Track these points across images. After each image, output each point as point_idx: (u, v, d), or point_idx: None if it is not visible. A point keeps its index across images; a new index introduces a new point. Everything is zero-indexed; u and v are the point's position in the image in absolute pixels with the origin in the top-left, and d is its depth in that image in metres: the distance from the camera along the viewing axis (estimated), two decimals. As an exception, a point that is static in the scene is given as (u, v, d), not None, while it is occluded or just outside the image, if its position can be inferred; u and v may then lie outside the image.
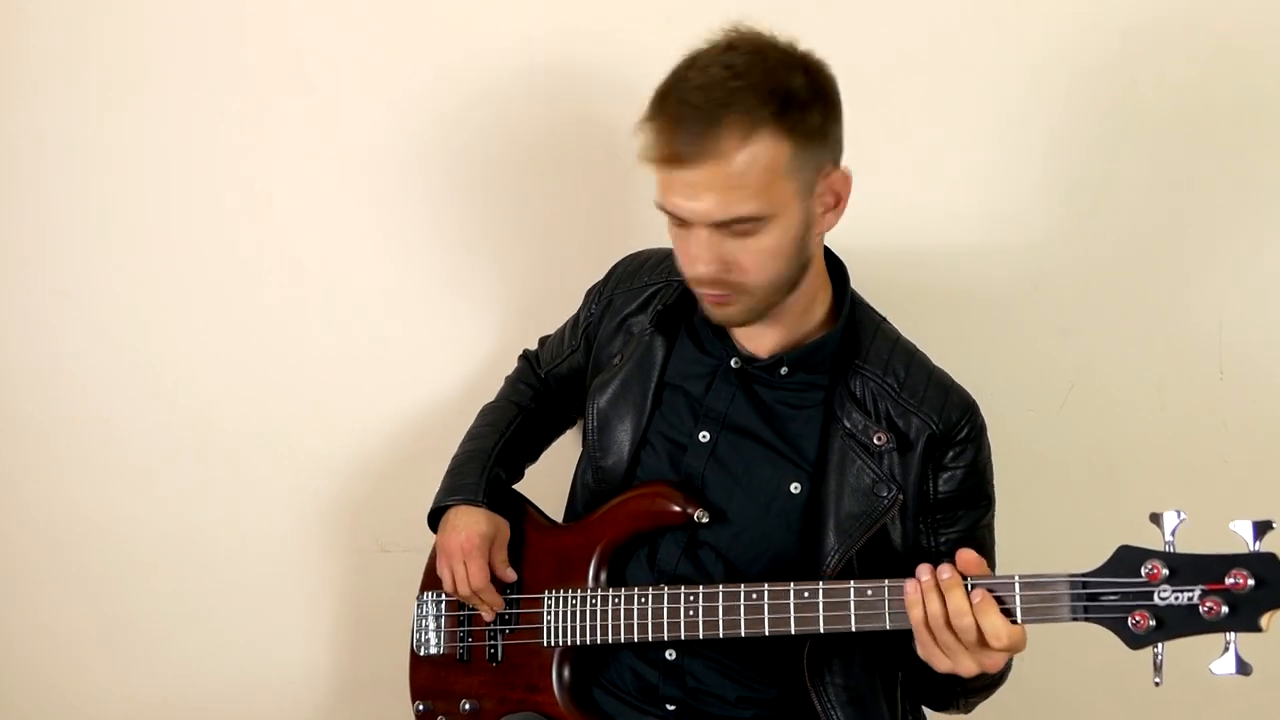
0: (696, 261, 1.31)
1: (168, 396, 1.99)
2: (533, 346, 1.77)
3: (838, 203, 1.35)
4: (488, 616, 1.52)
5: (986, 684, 1.39)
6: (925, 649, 1.24)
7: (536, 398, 1.71)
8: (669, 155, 1.26)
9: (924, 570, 1.23)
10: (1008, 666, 1.35)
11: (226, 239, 1.96)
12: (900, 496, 1.37)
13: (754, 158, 1.24)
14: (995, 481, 1.45)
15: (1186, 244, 1.72)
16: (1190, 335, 1.73)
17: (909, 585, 1.23)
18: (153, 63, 1.94)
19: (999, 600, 1.20)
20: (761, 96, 1.24)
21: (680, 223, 1.31)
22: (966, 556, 1.23)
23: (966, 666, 1.22)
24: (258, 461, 1.98)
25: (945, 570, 1.22)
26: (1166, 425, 1.75)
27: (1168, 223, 1.72)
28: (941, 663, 1.23)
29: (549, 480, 1.69)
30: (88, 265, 1.99)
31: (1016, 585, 1.19)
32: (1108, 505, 1.76)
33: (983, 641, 1.20)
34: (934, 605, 1.21)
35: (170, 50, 1.93)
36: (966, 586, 1.21)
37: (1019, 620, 1.20)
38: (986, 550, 1.45)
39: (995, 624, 1.19)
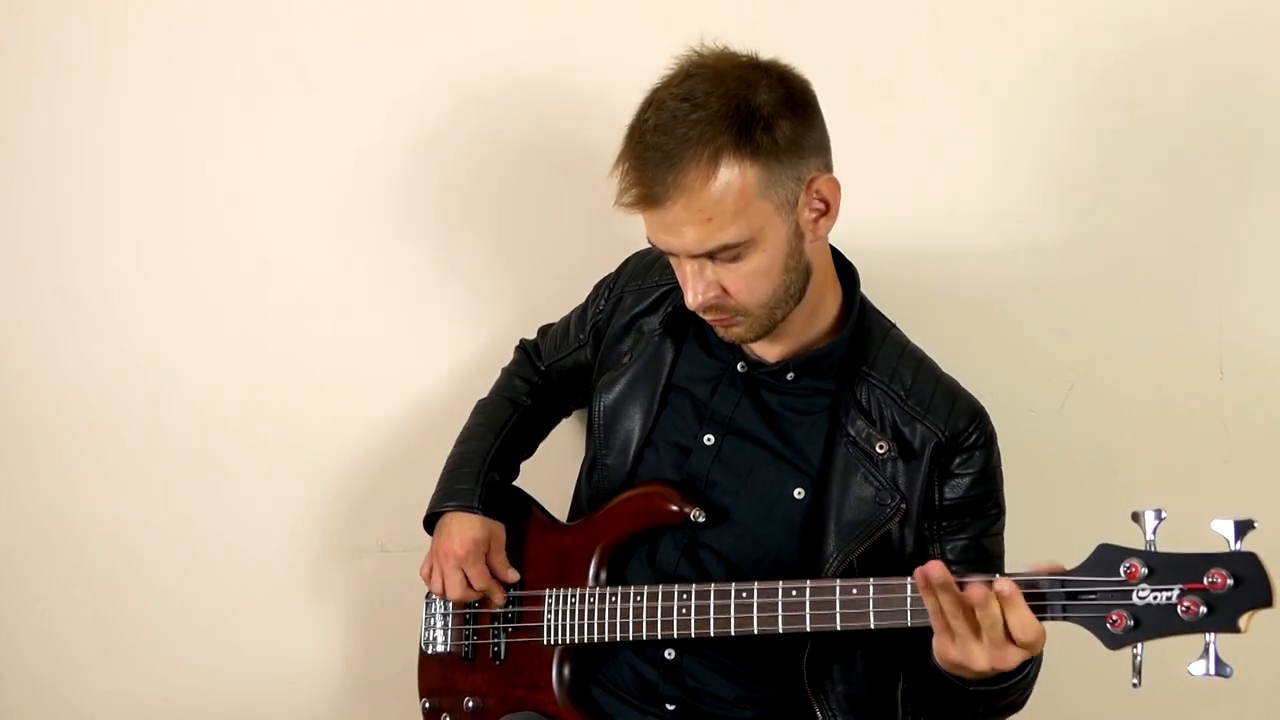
0: (689, 292, 1.32)
1: (167, 396, 1.99)
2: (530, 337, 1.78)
3: (828, 209, 1.33)
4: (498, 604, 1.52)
5: (1008, 703, 1.33)
6: (937, 628, 1.20)
7: (533, 393, 1.71)
8: (639, 199, 1.28)
9: (935, 567, 1.17)
10: (1027, 687, 1.31)
11: (225, 238, 1.96)
12: (903, 506, 1.37)
13: (724, 186, 1.25)
14: (997, 485, 1.45)
15: (1186, 244, 1.72)
16: (1190, 335, 1.73)
17: (919, 572, 1.18)
18: (151, 62, 1.94)
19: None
20: (721, 124, 1.24)
21: (671, 255, 1.33)
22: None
23: (977, 659, 1.17)
24: (257, 460, 1.98)
25: (1004, 585, 1.16)
26: (1166, 425, 1.74)
27: (1168, 222, 1.72)
28: (951, 651, 1.19)
29: (554, 478, 1.69)
30: (85, 264, 1.99)
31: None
32: (1108, 506, 1.74)
33: (1009, 637, 1.16)
34: (948, 601, 1.17)
35: (168, 50, 1.93)
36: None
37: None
38: (994, 559, 1.43)
39: (1025, 618, 1.15)
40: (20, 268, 2.01)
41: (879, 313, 1.48)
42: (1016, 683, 1.26)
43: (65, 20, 1.95)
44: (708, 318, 1.37)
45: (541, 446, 1.75)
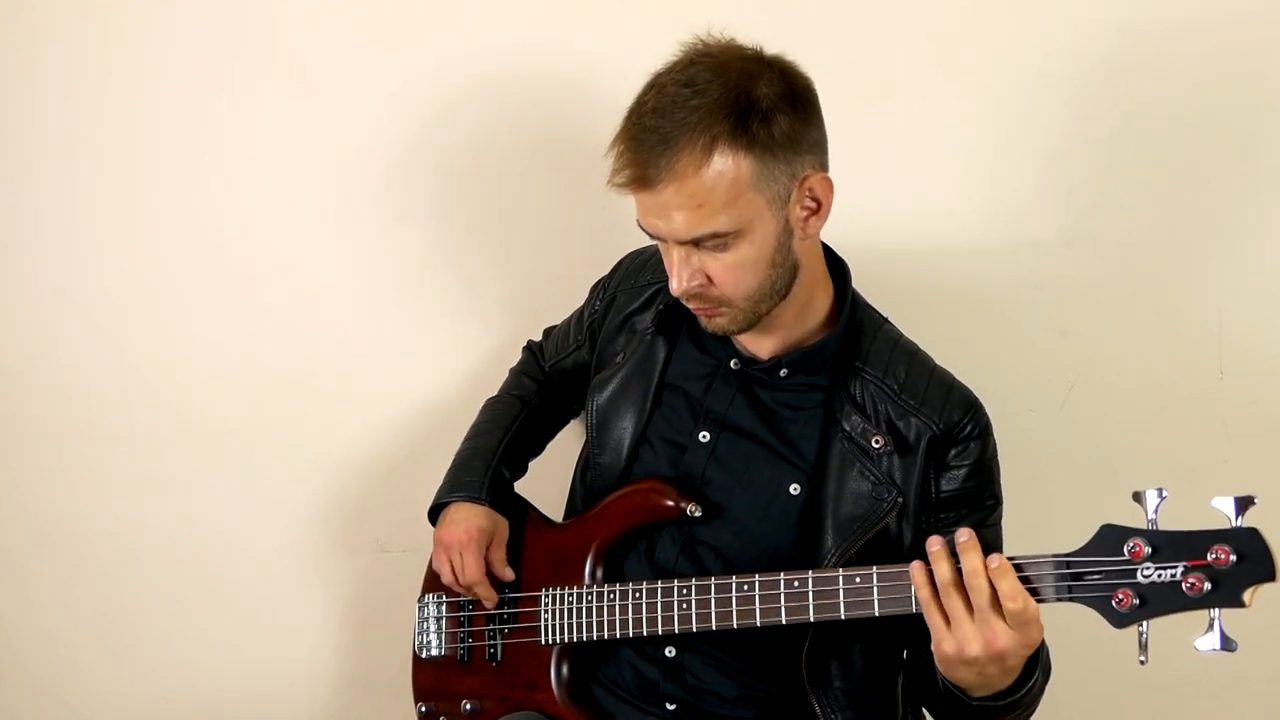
0: (674, 278, 1.33)
1: (167, 396, 1.99)
2: (537, 339, 1.78)
3: (820, 208, 1.33)
4: (488, 605, 1.52)
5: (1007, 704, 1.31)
6: (932, 624, 1.20)
7: (540, 391, 1.71)
8: (631, 179, 1.28)
9: (934, 540, 1.20)
10: (1030, 704, 1.30)
11: (225, 238, 1.96)
12: (900, 500, 1.37)
13: (717, 175, 1.25)
14: (996, 481, 1.45)
15: (1186, 244, 1.72)
16: (1190, 335, 1.73)
17: (914, 565, 1.21)
18: (150, 62, 1.94)
19: None
20: (719, 113, 1.24)
21: (659, 239, 1.33)
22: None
23: (970, 641, 1.17)
24: (257, 461, 1.98)
25: (962, 534, 1.19)
26: (1166, 425, 1.75)
27: (1168, 223, 1.72)
28: (946, 642, 1.19)
29: (549, 479, 1.69)
30: (85, 264, 1.99)
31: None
32: (1108, 505, 1.74)
33: (996, 606, 1.17)
34: (944, 569, 1.19)
35: (168, 50, 1.93)
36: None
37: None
38: (993, 550, 1.42)
39: (1014, 585, 1.16)
40: (20, 268, 2.01)
41: (871, 308, 1.48)
42: (1020, 698, 1.26)
43: (65, 20, 1.95)
44: (691, 306, 1.37)
45: (539, 448, 1.75)
